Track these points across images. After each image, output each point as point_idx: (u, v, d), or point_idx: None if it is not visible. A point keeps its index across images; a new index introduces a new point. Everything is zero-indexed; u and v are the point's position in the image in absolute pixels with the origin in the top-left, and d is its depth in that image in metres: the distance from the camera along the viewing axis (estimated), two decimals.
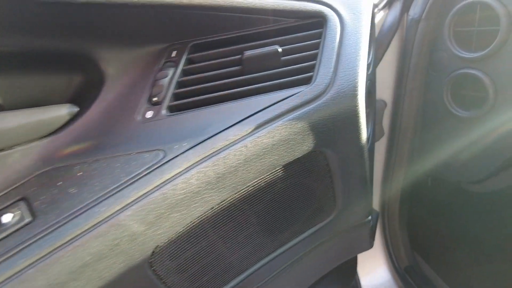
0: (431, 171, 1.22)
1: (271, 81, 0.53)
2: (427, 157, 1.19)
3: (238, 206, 0.53)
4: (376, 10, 1.13)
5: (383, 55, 1.11)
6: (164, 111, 0.53)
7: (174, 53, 0.59)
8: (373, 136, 0.91)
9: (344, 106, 0.49)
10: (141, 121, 0.52)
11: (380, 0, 1.11)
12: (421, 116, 1.15)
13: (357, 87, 0.50)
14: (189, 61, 0.58)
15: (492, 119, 0.97)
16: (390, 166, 1.24)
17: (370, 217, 0.91)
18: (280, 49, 0.56)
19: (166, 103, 0.53)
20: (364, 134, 0.56)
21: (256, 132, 0.46)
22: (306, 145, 0.52)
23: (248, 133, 0.45)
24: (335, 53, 0.52)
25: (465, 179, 1.10)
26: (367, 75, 0.76)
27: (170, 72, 0.55)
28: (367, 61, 0.78)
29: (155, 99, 0.53)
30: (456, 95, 1.04)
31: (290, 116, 0.47)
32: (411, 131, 1.17)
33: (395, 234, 1.33)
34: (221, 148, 0.45)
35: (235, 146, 0.45)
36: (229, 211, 0.53)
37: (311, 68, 0.54)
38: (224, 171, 0.45)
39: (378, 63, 1.12)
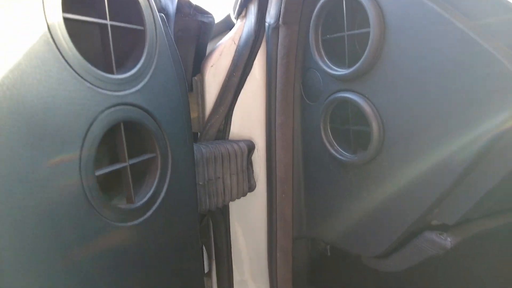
0: (325, 238, 0.87)
1: None
2: (316, 218, 0.85)
3: None
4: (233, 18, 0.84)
5: (241, 78, 0.79)
6: None
7: None
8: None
9: None
10: None
11: (235, 3, 0.81)
12: (298, 161, 0.82)
13: None
14: None
15: (383, 166, 0.65)
16: (272, 229, 0.89)
17: None
18: None
19: None
20: None
21: None
22: None
23: None
24: None
25: (365, 253, 0.75)
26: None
27: None
28: None
29: None
30: (338, 131, 0.73)
31: None
32: (290, 181, 0.83)
33: None
34: None
35: None
36: None
37: None
38: None
39: (238, 88, 0.80)
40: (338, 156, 0.70)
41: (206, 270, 1.05)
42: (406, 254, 0.67)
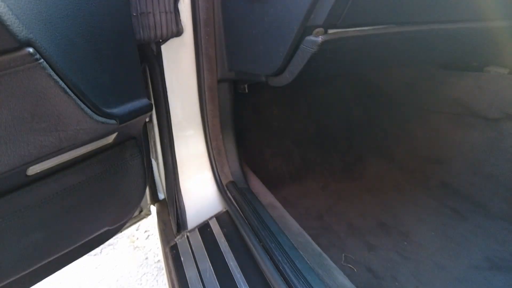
0: (242, 74, 1.09)
1: None
2: (233, 55, 1.06)
3: None
4: None
5: None
6: None
7: None
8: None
9: None
10: None
11: None
12: (218, 4, 1.00)
13: None
14: None
15: None
16: (200, 70, 1.08)
17: None
18: None
19: None
20: None
21: None
22: None
23: None
24: None
25: (268, 72, 0.99)
26: None
27: None
28: None
29: None
30: None
31: None
32: (212, 23, 1.01)
33: (219, 151, 1.20)
34: None
35: None
36: None
37: None
38: None
39: None
40: None
41: (147, 119, 1.24)
42: (295, 61, 0.91)
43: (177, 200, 1.19)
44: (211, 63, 1.07)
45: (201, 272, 0.99)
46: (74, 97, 0.55)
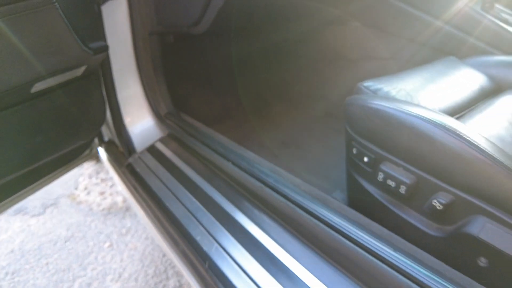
0: (169, 26, 1.43)
1: None
2: (162, 11, 1.39)
3: None
4: None
5: None
6: None
7: None
8: None
9: None
10: None
11: None
12: None
13: None
14: None
15: None
16: (134, 24, 1.39)
17: None
18: None
19: None
20: None
21: None
22: None
23: None
24: None
25: (189, 22, 1.35)
26: None
27: None
28: None
29: None
30: None
31: None
32: None
33: (154, 92, 1.54)
34: None
35: None
36: None
37: None
38: None
39: None
40: None
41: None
42: (209, 12, 1.28)
43: (124, 132, 1.50)
44: (143, 19, 1.38)
45: (163, 181, 1.32)
46: (72, 30, 0.86)
